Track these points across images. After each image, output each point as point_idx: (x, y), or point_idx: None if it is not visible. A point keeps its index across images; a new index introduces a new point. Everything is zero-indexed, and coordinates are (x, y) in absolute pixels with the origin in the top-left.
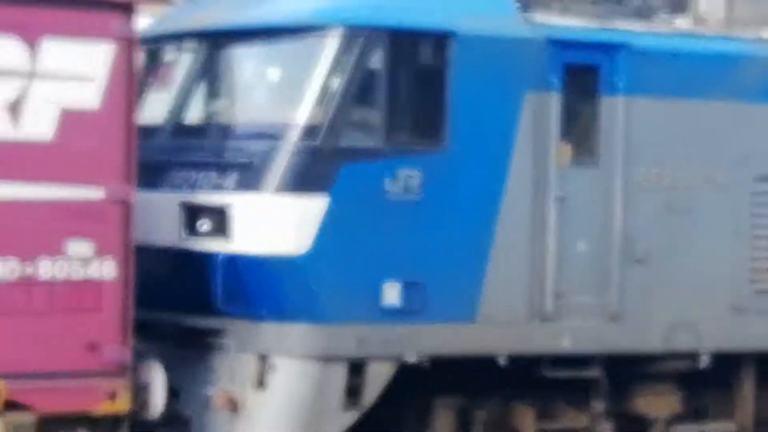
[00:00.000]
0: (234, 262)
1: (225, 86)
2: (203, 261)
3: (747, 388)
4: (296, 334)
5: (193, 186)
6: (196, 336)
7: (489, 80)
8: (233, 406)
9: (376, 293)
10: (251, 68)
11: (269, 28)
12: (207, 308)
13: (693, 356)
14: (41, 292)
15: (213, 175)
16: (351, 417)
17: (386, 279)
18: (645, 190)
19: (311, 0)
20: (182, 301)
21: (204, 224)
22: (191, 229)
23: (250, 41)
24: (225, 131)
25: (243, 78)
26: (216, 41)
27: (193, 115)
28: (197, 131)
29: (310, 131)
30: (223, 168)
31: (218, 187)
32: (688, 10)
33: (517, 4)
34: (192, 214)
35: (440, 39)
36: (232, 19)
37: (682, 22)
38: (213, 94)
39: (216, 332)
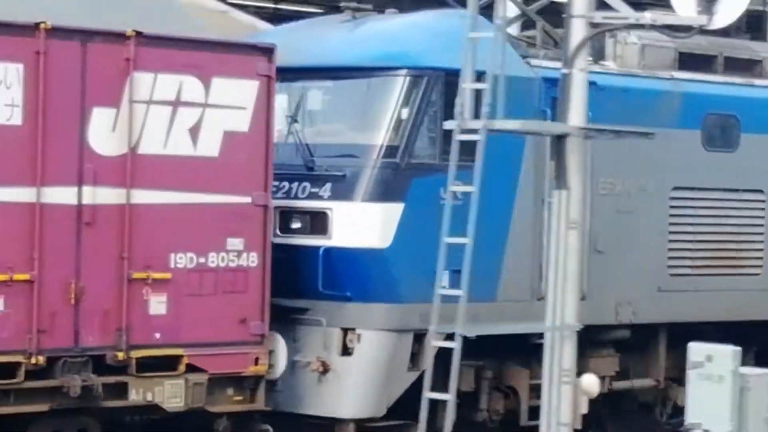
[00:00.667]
0: (331, 254)
1: (317, 113)
2: (300, 254)
3: (661, 351)
4: (378, 311)
5: (287, 194)
6: (292, 313)
7: (508, 111)
8: (325, 369)
9: (434, 279)
10: (339, 99)
11: (352, 68)
12: (302, 292)
13: (630, 327)
14: (210, 279)
15: (308, 186)
16: (412, 377)
17: (416, 267)
18: (603, 196)
19: (384, 45)
20: (279, 286)
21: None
22: (286, 228)
23: (337, 77)
24: (317, 150)
25: (332, 106)
26: (311, 75)
27: (289, 136)
28: (292, 149)
29: (389, 151)
30: (317, 180)
31: (314, 196)
32: (608, 56)
33: (520, 52)
34: (287, 216)
35: (478, 78)
36: (324, 60)
37: (611, 65)
38: (306, 118)
39: (306, 310)
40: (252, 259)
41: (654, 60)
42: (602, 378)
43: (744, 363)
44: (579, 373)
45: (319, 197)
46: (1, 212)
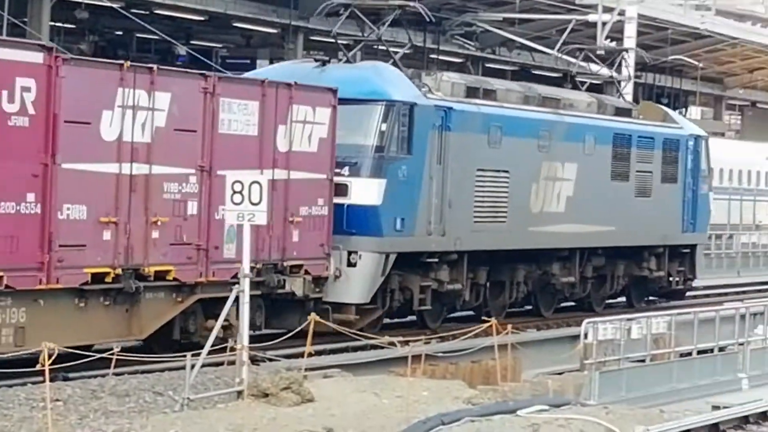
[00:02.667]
0: (349, 208)
1: (341, 126)
2: (336, 208)
3: (464, 265)
4: (372, 241)
5: None
6: None
7: (423, 123)
8: (339, 275)
9: (396, 223)
10: (349, 117)
11: (358, 99)
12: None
13: (457, 252)
14: (311, 221)
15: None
16: (381, 279)
17: (398, 216)
18: (452, 173)
19: (372, 86)
20: None
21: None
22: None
23: (354, 103)
24: (339, 147)
25: (351, 121)
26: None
27: None
28: None
29: (377, 149)
30: (341, 165)
31: (339, 175)
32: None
33: (423, 90)
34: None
35: (416, 107)
36: (343, 92)
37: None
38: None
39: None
40: (325, 211)
41: (456, 92)
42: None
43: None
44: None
45: (342, 175)
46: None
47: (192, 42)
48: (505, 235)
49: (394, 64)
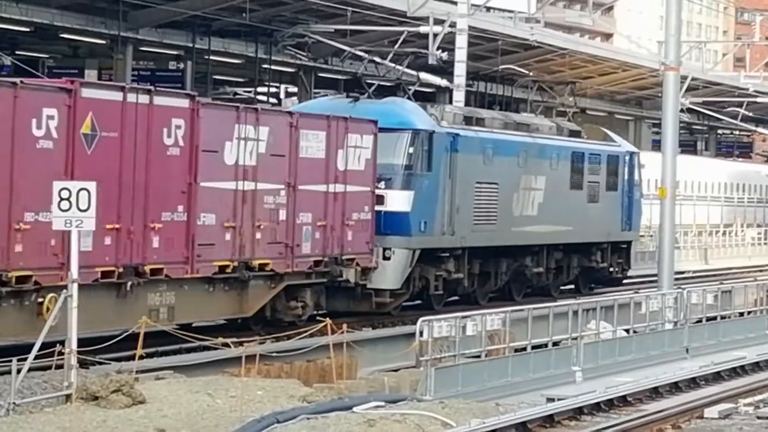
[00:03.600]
0: (386, 214)
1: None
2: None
3: (465, 258)
4: (402, 240)
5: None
6: None
7: (439, 147)
8: (376, 266)
9: (420, 226)
10: (389, 143)
11: (391, 128)
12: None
13: (462, 248)
14: (360, 224)
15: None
16: (409, 270)
17: (422, 220)
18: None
19: (400, 118)
20: None
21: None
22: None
23: (387, 131)
24: (379, 167)
25: (386, 146)
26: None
27: None
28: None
29: (407, 167)
30: (380, 180)
31: (379, 188)
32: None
33: (438, 121)
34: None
35: (434, 134)
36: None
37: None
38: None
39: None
40: (369, 216)
41: (457, 121)
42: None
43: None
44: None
45: (380, 188)
46: (315, 197)
47: (18, 53)
48: (495, 234)
49: (409, 98)
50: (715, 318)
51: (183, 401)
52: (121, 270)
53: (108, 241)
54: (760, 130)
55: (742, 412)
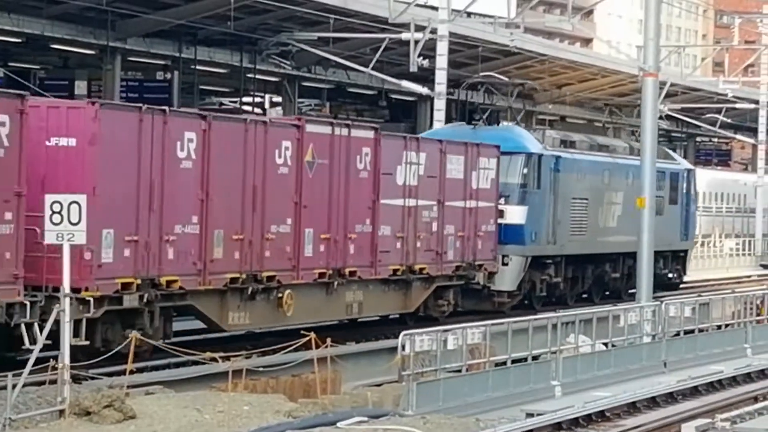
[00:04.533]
0: (505, 226)
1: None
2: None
3: (562, 263)
4: (518, 248)
5: None
6: None
7: (545, 167)
8: (496, 271)
9: (532, 236)
10: (507, 164)
11: (508, 151)
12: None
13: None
14: (486, 235)
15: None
16: (523, 274)
17: (534, 231)
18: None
19: (516, 142)
20: None
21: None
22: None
23: (506, 154)
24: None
25: (504, 167)
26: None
27: None
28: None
29: (522, 186)
30: (500, 196)
31: (501, 203)
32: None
33: (543, 144)
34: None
35: (542, 157)
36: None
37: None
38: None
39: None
40: (493, 228)
41: (554, 144)
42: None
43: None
44: None
45: (500, 204)
46: (457, 211)
47: (9, 64)
48: (586, 243)
49: (517, 124)
50: (693, 331)
51: (172, 416)
52: (330, 272)
53: (322, 248)
54: (738, 137)
55: (719, 428)
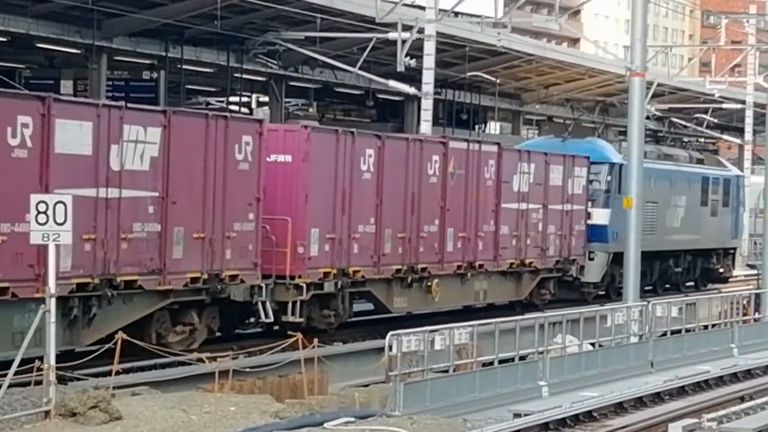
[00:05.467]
0: (591, 226)
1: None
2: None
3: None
4: (602, 246)
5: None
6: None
7: (624, 174)
8: (583, 265)
9: (614, 235)
10: (593, 172)
11: (595, 161)
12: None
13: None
14: (578, 234)
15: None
16: (606, 269)
17: (615, 231)
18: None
19: (601, 153)
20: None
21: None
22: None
23: (592, 164)
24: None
25: (593, 174)
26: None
27: None
28: None
29: (606, 191)
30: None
31: (589, 207)
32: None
33: (622, 155)
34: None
35: (622, 166)
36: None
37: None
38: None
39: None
40: (583, 227)
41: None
42: None
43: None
44: None
45: (589, 207)
46: (557, 213)
47: None
48: (655, 241)
49: (599, 136)
50: (679, 331)
51: (158, 417)
52: (465, 265)
53: (459, 245)
54: (725, 137)
55: (706, 428)
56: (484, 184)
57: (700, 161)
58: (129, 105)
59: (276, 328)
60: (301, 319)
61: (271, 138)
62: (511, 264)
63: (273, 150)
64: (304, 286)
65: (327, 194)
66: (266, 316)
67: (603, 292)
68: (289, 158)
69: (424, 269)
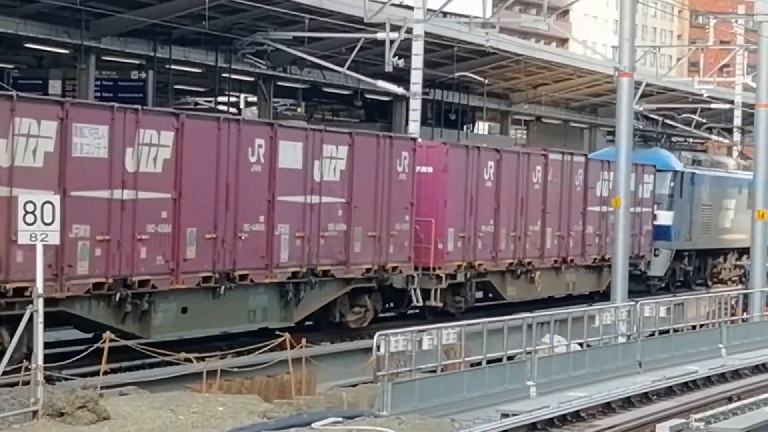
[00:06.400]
0: (657, 226)
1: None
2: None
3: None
4: (666, 244)
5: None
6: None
7: (685, 181)
8: (650, 260)
9: (677, 234)
10: (660, 178)
11: (660, 169)
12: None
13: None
14: (646, 233)
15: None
16: (669, 264)
17: (678, 230)
18: (698, 206)
19: (665, 162)
20: None
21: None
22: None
23: (659, 171)
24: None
25: (660, 181)
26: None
27: None
28: None
29: (670, 196)
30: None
31: (654, 209)
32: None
33: (682, 163)
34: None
35: (684, 173)
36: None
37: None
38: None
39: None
40: (650, 227)
41: (687, 162)
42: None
43: None
44: None
45: (655, 209)
46: (636, 215)
47: None
48: (709, 240)
49: (662, 146)
50: (667, 331)
51: (146, 417)
52: (560, 259)
53: (556, 242)
54: (714, 137)
55: (694, 428)
56: (575, 190)
57: (746, 168)
58: (327, 129)
59: (417, 311)
60: (441, 304)
61: (418, 153)
62: (594, 259)
63: (418, 163)
64: (443, 276)
65: (459, 199)
66: (417, 300)
67: (664, 285)
68: (430, 170)
69: (529, 263)
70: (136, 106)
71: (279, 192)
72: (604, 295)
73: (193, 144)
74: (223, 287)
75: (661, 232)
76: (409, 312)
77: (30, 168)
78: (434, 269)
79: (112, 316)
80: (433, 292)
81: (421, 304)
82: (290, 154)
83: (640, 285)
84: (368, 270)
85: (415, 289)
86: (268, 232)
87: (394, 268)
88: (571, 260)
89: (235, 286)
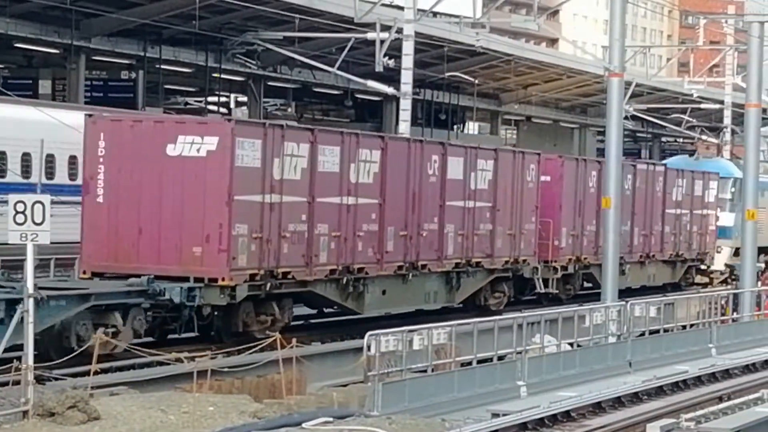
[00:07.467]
0: (719, 227)
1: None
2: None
3: None
4: (727, 242)
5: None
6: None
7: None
8: (713, 256)
9: (736, 233)
10: (722, 184)
11: (722, 176)
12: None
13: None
14: (705, 233)
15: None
16: (729, 259)
17: (737, 230)
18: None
19: (726, 170)
20: None
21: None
22: None
23: (721, 178)
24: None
25: (723, 186)
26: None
27: None
28: None
29: (731, 199)
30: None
31: (717, 211)
32: None
33: (740, 171)
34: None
35: (741, 179)
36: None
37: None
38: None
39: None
40: (714, 227)
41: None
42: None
43: None
44: None
45: (718, 211)
46: (695, 217)
47: None
48: (762, 238)
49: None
50: (658, 331)
51: (136, 417)
52: (644, 254)
53: (641, 240)
54: (704, 137)
55: (684, 428)
56: (655, 195)
57: None
58: (501, 148)
59: (534, 297)
60: (557, 291)
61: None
62: (670, 255)
63: (540, 173)
64: (558, 267)
65: (570, 203)
66: (540, 288)
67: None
68: (548, 178)
69: (621, 257)
70: (356, 131)
71: (448, 198)
72: (676, 286)
73: (393, 160)
74: (410, 274)
75: (723, 232)
76: (525, 298)
77: (292, 180)
78: (551, 262)
79: (339, 295)
80: (551, 281)
81: (543, 291)
82: (455, 168)
83: (705, 278)
84: (506, 262)
85: (538, 279)
86: (439, 231)
87: (524, 261)
88: (653, 255)
89: (418, 274)
